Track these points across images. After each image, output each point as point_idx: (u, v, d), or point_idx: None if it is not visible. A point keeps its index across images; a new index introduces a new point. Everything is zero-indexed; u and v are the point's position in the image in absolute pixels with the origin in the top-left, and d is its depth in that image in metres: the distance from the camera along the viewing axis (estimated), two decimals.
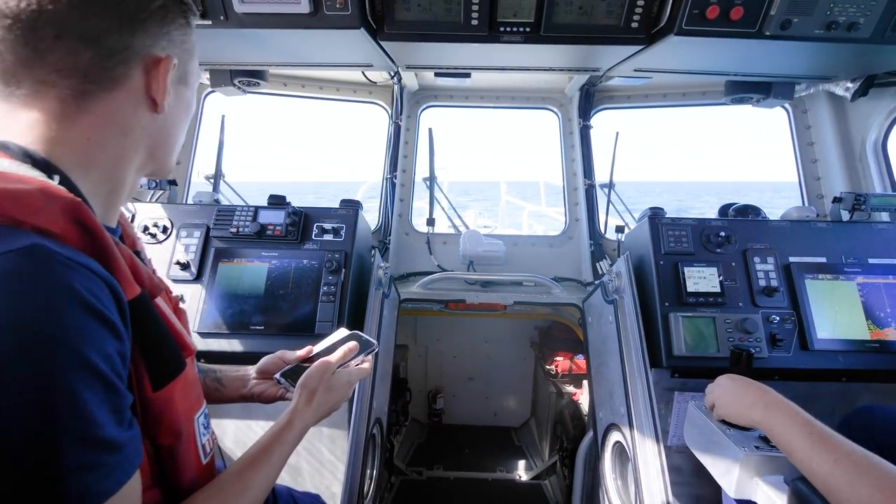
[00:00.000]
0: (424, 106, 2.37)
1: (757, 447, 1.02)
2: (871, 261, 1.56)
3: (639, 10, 1.43)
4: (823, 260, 1.55)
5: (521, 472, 2.61)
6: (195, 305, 1.44)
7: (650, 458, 1.36)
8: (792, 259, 1.55)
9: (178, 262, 1.47)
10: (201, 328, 1.40)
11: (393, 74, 1.87)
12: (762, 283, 1.50)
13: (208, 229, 1.54)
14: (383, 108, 2.36)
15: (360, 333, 0.98)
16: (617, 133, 2.35)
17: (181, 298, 1.43)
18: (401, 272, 2.24)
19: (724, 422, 1.10)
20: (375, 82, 2.20)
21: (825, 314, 1.48)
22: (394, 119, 2.28)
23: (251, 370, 0.99)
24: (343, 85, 2.26)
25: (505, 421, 3.04)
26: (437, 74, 1.89)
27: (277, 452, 0.74)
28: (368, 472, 1.42)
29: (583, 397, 2.33)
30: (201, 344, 1.39)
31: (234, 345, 1.37)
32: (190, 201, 1.83)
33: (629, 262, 1.57)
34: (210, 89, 2.03)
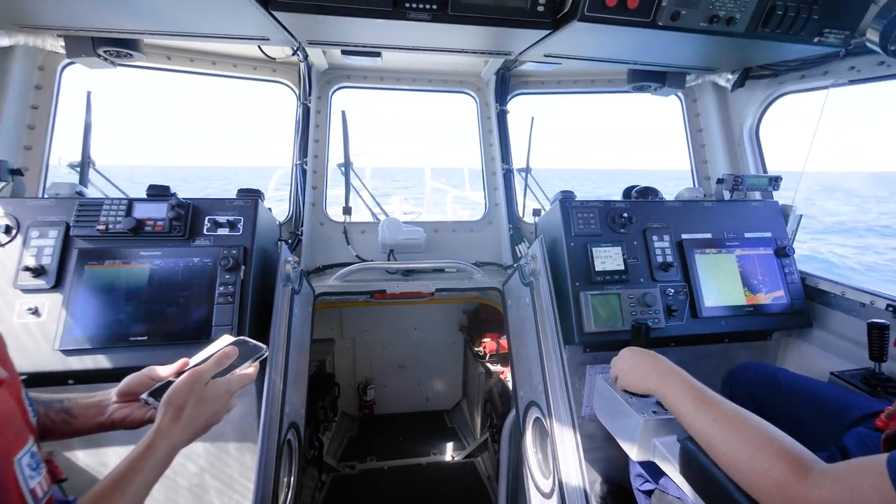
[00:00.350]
0: (336, 87, 2.23)
1: (654, 412, 1.10)
2: (746, 235, 1.76)
3: None
4: (709, 236, 1.72)
5: (454, 452, 2.65)
6: (55, 318, 1.23)
7: (565, 430, 1.43)
8: (684, 236, 1.69)
9: (27, 268, 1.24)
10: (65, 345, 1.21)
11: (295, 50, 1.72)
12: (659, 259, 1.62)
13: (68, 227, 1.32)
14: (290, 87, 2.18)
15: (247, 339, 0.90)
16: (532, 118, 2.39)
17: (35, 311, 1.22)
18: (316, 265, 2.12)
19: (626, 391, 1.17)
20: (275, 58, 2.02)
21: (711, 284, 1.64)
22: (302, 100, 2.12)
23: (111, 393, 0.86)
24: (240, 61, 2.05)
25: (437, 405, 3.07)
26: (344, 52, 1.77)
27: (137, 482, 0.65)
28: (286, 479, 1.34)
29: (510, 375, 2.41)
30: (62, 364, 1.19)
31: (111, 360, 1.20)
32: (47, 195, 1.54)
33: (543, 245, 1.62)
34: (67, 60, 1.73)
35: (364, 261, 2.09)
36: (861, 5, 1.48)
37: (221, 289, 1.27)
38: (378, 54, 1.84)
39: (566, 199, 1.67)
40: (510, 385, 2.36)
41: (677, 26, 1.46)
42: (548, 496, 1.47)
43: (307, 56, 1.98)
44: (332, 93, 2.23)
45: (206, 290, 1.28)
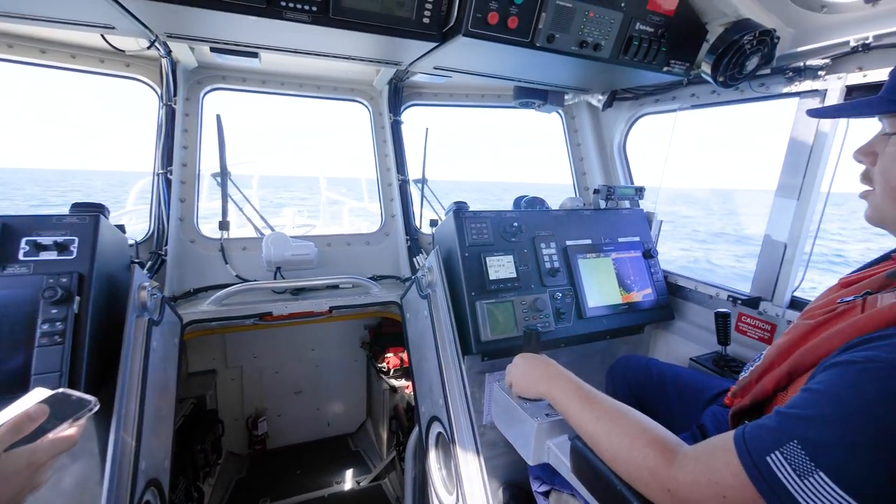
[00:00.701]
0: (209, 88, 2.00)
1: (547, 415, 1.13)
2: (620, 239, 1.94)
3: (429, 6, 1.44)
4: (589, 241, 1.86)
5: (359, 477, 2.51)
6: None
7: (467, 441, 1.42)
8: (568, 242, 1.81)
9: None
10: None
11: (152, 43, 1.49)
12: (548, 265, 1.71)
13: None
14: (150, 86, 1.90)
15: (69, 392, 0.71)
16: (427, 129, 2.40)
17: None
18: (185, 289, 1.85)
19: (521, 397, 1.19)
20: (125, 51, 1.74)
21: (593, 286, 1.77)
22: (165, 101, 1.85)
23: None
24: (81, 51, 1.72)
25: (339, 429, 2.89)
26: (213, 50, 1.59)
27: None
28: None
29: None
30: None
31: None
32: None
33: (439, 256, 1.60)
34: None
35: (245, 281, 1.88)
36: (697, 42, 1.73)
37: (45, 327, 1.01)
38: (255, 55, 1.68)
39: (460, 209, 1.69)
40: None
41: (552, 48, 1.56)
42: None
43: (170, 51, 1.74)
44: (204, 94, 2.00)
45: (22, 330, 1.01)
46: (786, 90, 1.68)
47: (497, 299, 1.57)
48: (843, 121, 1.57)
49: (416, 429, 1.75)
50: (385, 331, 2.79)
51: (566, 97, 2.38)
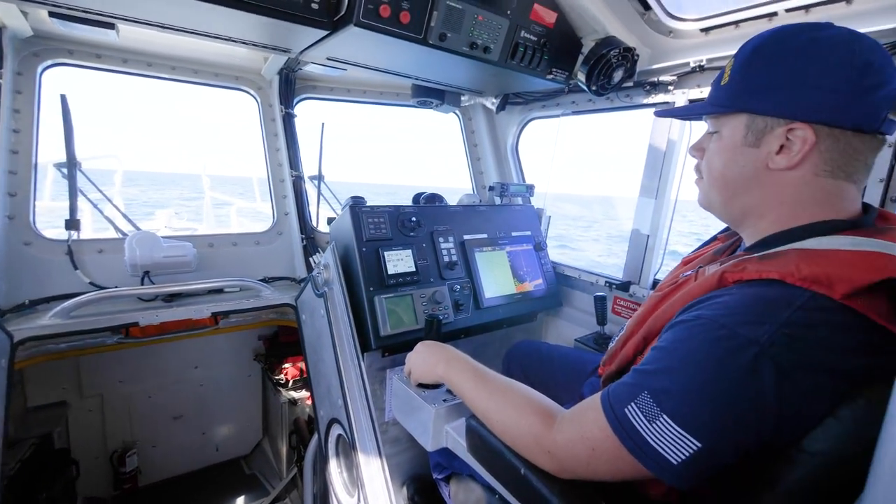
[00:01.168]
0: (49, 62, 1.68)
1: (445, 400, 1.14)
2: (513, 233, 2.05)
3: None
4: (485, 236, 1.94)
5: (256, 502, 2.29)
6: None
7: (367, 439, 1.38)
8: (465, 237, 1.86)
9: None
10: None
11: None
12: (446, 258, 1.74)
13: None
14: None
15: None
16: (323, 124, 2.31)
17: None
18: (19, 300, 1.52)
19: (421, 385, 1.19)
20: None
21: (489, 278, 1.84)
22: None
23: None
24: None
25: (230, 452, 2.61)
26: (52, 15, 1.34)
27: None
28: None
29: None
30: None
31: None
32: None
33: (335, 253, 1.54)
34: None
35: (103, 288, 1.61)
36: (574, 54, 1.90)
37: None
38: (111, 26, 1.46)
39: (356, 204, 1.64)
40: None
41: (445, 47, 1.60)
42: None
43: None
44: (43, 70, 1.68)
45: None
46: (645, 101, 1.93)
47: (396, 293, 1.56)
48: (687, 130, 1.86)
49: (315, 436, 1.65)
50: (283, 340, 2.60)
51: (462, 98, 2.47)
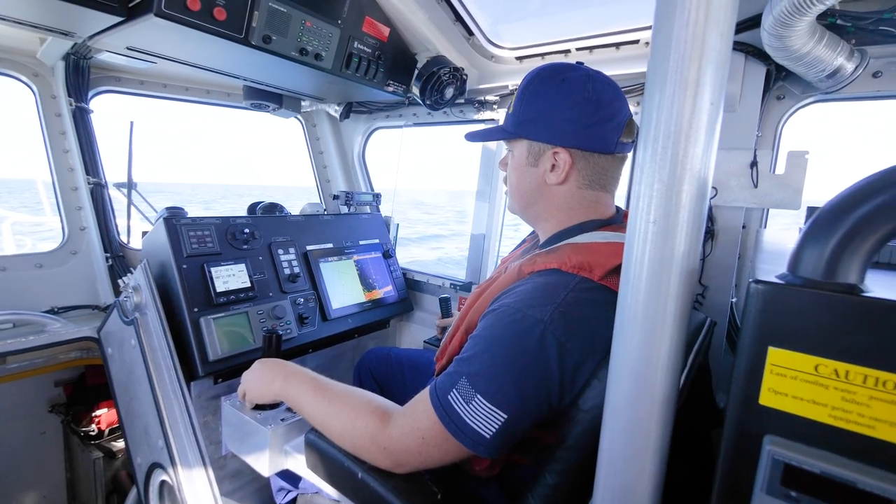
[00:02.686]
0: None
1: (283, 419, 1.09)
2: (361, 242, 2.06)
3: None
4: (331, 245, 1.91)
5: None
6: None
7: (198, 481, 1.23)
8: (309, 247, 1.80)
9: None
10: None
11: None
12: (287, 271, 1.66)
13: None
14: None
15: None
16: (132, 122, 1.99)
17: None
18: None
19: (258, 407, 1.12)
20: None
21: (336, 288, 1.82)
22: None
23: None
24: None
25: None
26: None
27: None
28: None
29: None
30: None
31: None
32: None
33: (148, 272, 1.34)
34: None
35: None
36: (409, 68, 2.00)
37: None
38: None
39: (173, 216, 1.45)
40: None
41: (271, 49, 1.53)
42: None
43: None
44: None
45: None
46: (475, 117, 2.13)
47: (228, 312, 1.42)
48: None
49: (133, 490, 1.41)
50: (91, 382, 2.13)
51: (304, 104, 2.38)
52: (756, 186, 1.37)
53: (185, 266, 1.39)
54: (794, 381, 0.44)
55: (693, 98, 0.51)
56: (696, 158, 0.52)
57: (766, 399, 0.46)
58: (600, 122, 0.90)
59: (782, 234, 1.24)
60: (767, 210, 1.48)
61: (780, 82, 1.37)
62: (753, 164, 1.37)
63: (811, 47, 1.10)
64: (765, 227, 1.52)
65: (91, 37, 1.45)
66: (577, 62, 0.97)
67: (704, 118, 0.51)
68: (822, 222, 0.45)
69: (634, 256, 0.54)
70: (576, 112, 0.90)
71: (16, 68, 1.73)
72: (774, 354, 0.45)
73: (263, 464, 1.06)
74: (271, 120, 2.42)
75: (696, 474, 0.93)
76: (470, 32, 1.96)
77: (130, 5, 1.28)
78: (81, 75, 1.80)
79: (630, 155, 1.02)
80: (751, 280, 0.49)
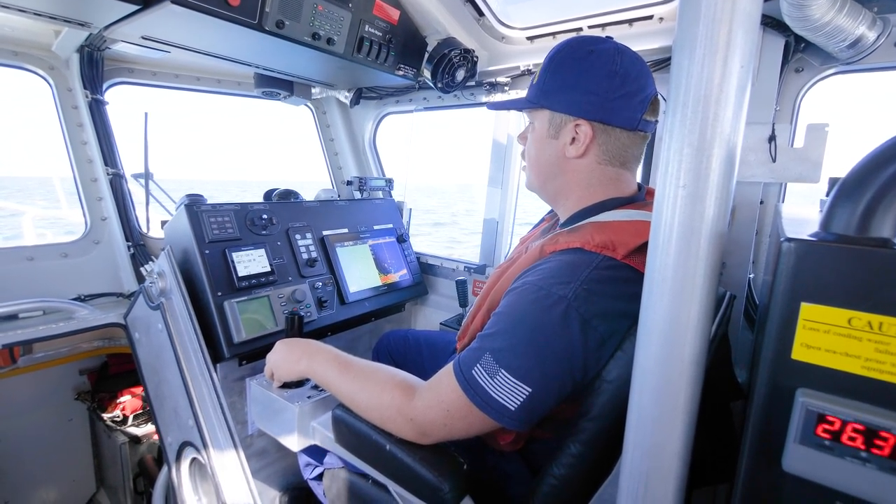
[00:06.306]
0: None
1: (309, 397, 1.12)
2: (375, 227, 2.08)
3: None
4: (346, 230, 1.93)
5: None
6: None
7: (228, 458, 1.27)
8: (325, 232, 1.82)
9: None
10: None
11: None
12: (305, 256, 1.68)
13: None
14: None
15: None
16: (146, 113, 2.01)
17: None
18: None
19: (285, 385, 1.15)
20: None
21: (352, 273, 1.84)
22: None
23: None
24: None
25: None
26: None
27: None
28: None
29: None
30: None
31: None
32: None
33: (171, 258, 1.37)
34: None
35: None
36: (420, 51, 1.99)
37: None
38: None
39: (194, 202, 1.48)
40: None
41: (284, 34, 1.53)
42: None
43: None
44: None
45: None
46: (486, 100, 2.12)
47: (250, 296, 1.45)
48: (522, 125, 2.10)
49: (164, 469, 1.46)
50: (113, 371, 2.19)
51: (314, 91, 2.39)
52: (774, 161, 1.36)
53: (207, 251, 1.42)
54: (827, 335, 0.45)
55: (723, 61, 0.51)
56: (725, 122, 0.52)
57: (799, 353, 0.47)
58: (625, 96, 0.90)
59: (800, 209, 1.24)
60: (785, 185, 1.47)
61: (799, 54, 1.35)
62: (772, 138, 1.36)
63: (832, 16, 1.08)
64: (783, 202, 1.51)
65: (107, 27, 1.46)
66: (608, 36, 0.97)
67: (734, 82, 0.51)
68: (854, 179, 0.46)
69: (664, 220, 0.55)
70: (602, 84, 0.89)
71: (32, 62, 1.75)
72: (807, 310, 0.46)
73: (292, 440, 1.09)
74: (279, 114, 2.42)
75: (716, 445, 0.94)
76: (480, 13, 1.94)
77: None
78: (95, 67, 1.82)
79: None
80: (782, 239, 0.49)
